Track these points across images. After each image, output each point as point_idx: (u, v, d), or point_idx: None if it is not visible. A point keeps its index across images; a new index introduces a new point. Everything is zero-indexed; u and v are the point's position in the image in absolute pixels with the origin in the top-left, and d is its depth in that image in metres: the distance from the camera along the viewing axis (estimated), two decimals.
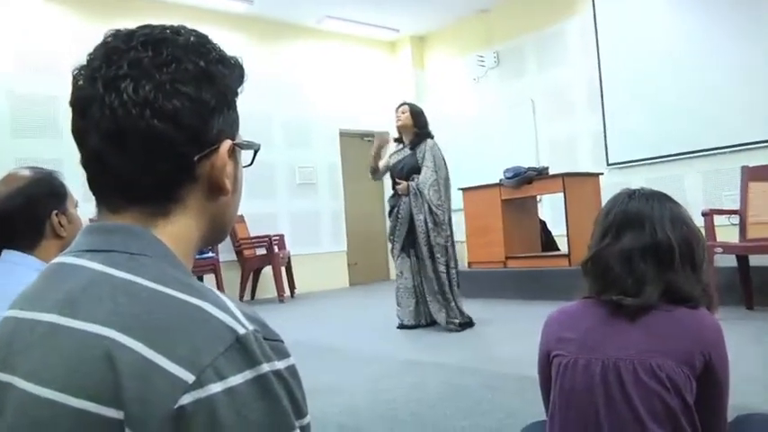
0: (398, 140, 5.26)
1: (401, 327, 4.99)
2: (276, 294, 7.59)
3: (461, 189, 6.96)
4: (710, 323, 1.35)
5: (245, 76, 0.77)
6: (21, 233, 1.53)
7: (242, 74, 0.76)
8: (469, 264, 6.92)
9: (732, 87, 6.42)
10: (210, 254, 7.10)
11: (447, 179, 5.03)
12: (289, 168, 8.65)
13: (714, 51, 6.55)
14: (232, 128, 0.75)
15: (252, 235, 7.73)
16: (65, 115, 6.65)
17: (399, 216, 4.99)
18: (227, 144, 0.72)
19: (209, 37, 0.74)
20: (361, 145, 9.87)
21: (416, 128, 5.08)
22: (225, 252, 7.51)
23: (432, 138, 5.09)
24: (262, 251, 7.71)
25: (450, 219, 4.97)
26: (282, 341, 0.63)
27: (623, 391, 1.28)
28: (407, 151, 5.10)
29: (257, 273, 7.99)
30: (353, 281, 9.23)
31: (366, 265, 9.54)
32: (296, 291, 8.08)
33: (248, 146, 0.79)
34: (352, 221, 9.37)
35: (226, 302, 0.61)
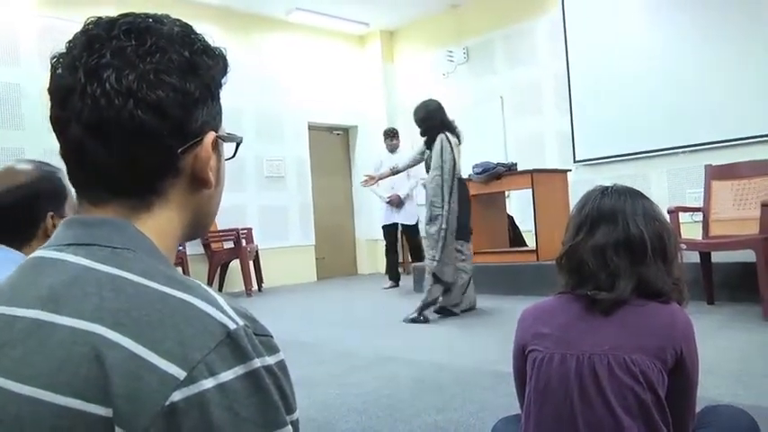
0: None
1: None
2: (244, 288, 7.53)
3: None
4: (682, 318, 1.37)
5: (229, 67, 0.76)
6: (13, 231, 1.43)
7: (226, 65, 0.75)
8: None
9: (697, 88, 6.55)
10: (178, 247, 7.01)
11: (450, 173, 5.08)
12: (257, 161, 8.59)
13: (680, 52, 6.68)
14: (215, 120, 0.74)
15: (219, 228, 7.66)
16: (27, 104, 6.55)
17: None
18: (210, 136, 0.71)
19: (193, 27, 0.73)
20: (330, 138, 9.85)
21: (423, 128, 5.27)
22: (192, 245, 7.44)
23: (444, 131, 5.16)
24: (229, 244, 7.66)
25: (448, 212, 5.06)
26: (272, 336, 0.62)
27: (598, 385, 1.30)
28: (428, 151, 5.31)
29: (225, 266, 7.93)
30: (321, 275, 9.21)
31: (334, 260, 9.54)
32: (263, 285, 8.04)
33: (231, 138, 0.78)
34: (321, 215, 9.34)
35: (215, 297, 0.60)
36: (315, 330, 4.99)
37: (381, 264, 9.49)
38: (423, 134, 5.29)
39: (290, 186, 9.01)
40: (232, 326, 0.58)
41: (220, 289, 7.94)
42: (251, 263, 7.69)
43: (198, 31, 0.73)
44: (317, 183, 9.35)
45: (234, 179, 8.13)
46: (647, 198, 1.49)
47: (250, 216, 8.41)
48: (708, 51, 6.50)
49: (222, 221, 7.74)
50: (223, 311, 0.59)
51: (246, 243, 7.67)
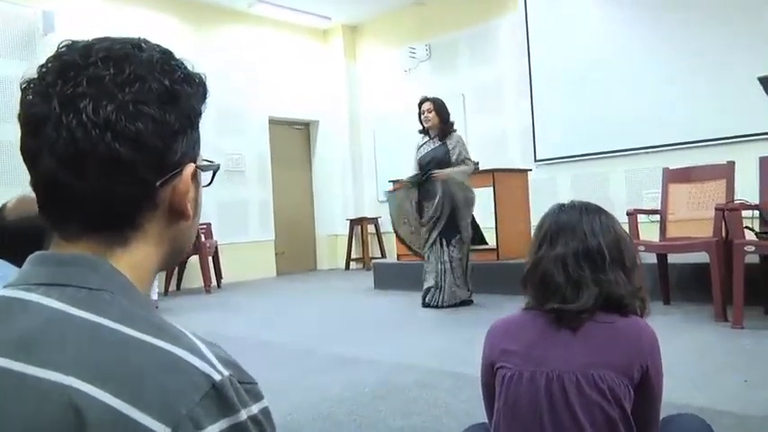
0: (424, 132, 5.56)
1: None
2: (202, 285, 7.44)
3: (392, 181, 6.98)
4: (648, 333, 1.41)
5: (209, 94, 0.73)
6: (22, 253, 1.46)
7: (205, 92, 0.72)
8: (399, 256, 6.95)
9: (656, 90, 6.67)
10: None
11: None
12: (216, 155, 8.39)
13: (639, 54, 6.80)
14: (194, 149, 0.71)
15: None
16: None
17: None
18: (190, 168, 0.69)
19: (173, 53, 0.70)
20: (291, 133, 9.77)
21: (442, 122, 5.41)
22: None
23: (455, 130, 5.50)
24: None
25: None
26: (256, 383, 0.60)
27: (566, 402, 1.32)
28: (436, 143, 5.44)
29: (183, 262, 7.79)
30: (281, 270, 9.15)
31: (293, 255, 9.49)
32: (222, 280, 7.95)
33: (210, 167, 0.76)
34: (280, 210, 9.27)
35: (198, 346, 0.58)
36: (275, 329, 4.95)
37: (341, 259, 9.47)
38: (444, 128, 5.41)
39: (249, 181, 8.91)
40: (217, 377, 0.55)
41: (179, 286, 7.83)
42: (210, 259, 7.60)
43: (177, 57, 0.70)
44: (278, 177, 9.27)
45: None
46: (604, 211, 1.54)
47: (209, 211, 8.28)
48: (666, 54, 6.62)
49: None
50: (207, 361, 0.56)
51: (205, 239, 7.57)
